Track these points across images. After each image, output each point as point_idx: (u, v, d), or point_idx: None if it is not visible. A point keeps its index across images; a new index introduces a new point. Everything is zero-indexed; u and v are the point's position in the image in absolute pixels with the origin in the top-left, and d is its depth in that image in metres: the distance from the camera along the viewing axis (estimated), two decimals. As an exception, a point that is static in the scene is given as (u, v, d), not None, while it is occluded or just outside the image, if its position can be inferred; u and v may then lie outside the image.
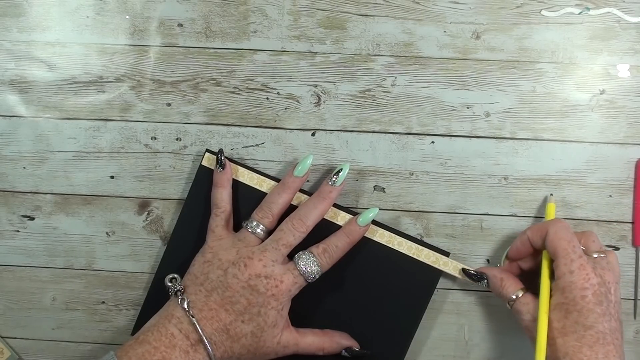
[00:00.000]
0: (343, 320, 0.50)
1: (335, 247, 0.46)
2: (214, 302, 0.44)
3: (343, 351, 0.48)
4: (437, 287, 0.50)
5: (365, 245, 0.49)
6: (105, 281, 0.53)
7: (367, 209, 0.48)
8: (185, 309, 0.43)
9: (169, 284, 0.47)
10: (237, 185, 0.51)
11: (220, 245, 0.46)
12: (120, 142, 0.52)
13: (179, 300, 0.44)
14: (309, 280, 0.46)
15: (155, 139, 0.52)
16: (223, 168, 0.49)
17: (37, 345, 0.54)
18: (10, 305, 0.54)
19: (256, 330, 0.44)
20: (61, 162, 0.53)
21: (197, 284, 0.45)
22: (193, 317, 0.43)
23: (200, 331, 0.42)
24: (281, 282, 0.44)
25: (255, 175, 0.50)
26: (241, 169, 0.51)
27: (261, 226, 0.47)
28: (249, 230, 0.47)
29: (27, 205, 0.53)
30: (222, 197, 0.49)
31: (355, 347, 0.48)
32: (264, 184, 0.50)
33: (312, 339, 0.47)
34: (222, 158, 0.49)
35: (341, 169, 0.48)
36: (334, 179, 0.47)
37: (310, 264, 0.45)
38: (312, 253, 0.46)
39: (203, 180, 0.51)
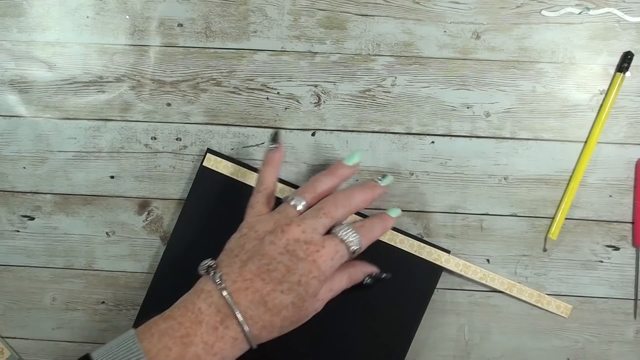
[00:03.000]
0: (344, 318, 0.50)
1: (370, 225, 0.44)
2: (249, 272, 0.39)
3: (365, 279, 0.46)
4: (437, 287, 0.50)
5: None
6: (105, 281, 0.53)
7: (389, 209, 0.47)
8: (216, 281, 0.39)
9: (203, 269, 0.42)
10: (239, 186, 0.51)
11: (258, 219, 0.43)
12: (120, 142, 0.52)
13: (211, 274, 0.40)
14: (351, 249, 0.41)
15: (155, 139, 0.52)
16: (276, 145, 0.45)
17: (37, 345, 0.54)
18: (10, 305, 0.54)
19: (297, 301, 0.39)
20: (61, 162, 0.53)
21: (232, 257, 0.40)
22: (225, 289, 0.38)
23: (231, 304, 0.38)
24: (322, 248, 0.40)
25: (257, 176, 0.50)
26: (243, 170, 0.51)
27: (303, 201, 0.42)
28: (290, 204, 0.43)
29: (27, 205, 0.53)
30: (268, 175, 0.45)
31: (376, 272, 0.46)
32: None
33: (340, 277, 0.43)
34: (278, 136, 0.46)
35: (387, 175, 0.47)
36: (380, 178, 0.46)
37: (350, 234, 0.41)
38: (349, 225, 0.42)
39: (203, 180, 0.51)
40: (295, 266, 0.39)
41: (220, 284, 0.39)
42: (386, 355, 0.49)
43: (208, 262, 0.41)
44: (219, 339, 0.38)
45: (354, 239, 0.41)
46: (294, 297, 0.39)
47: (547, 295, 0.50)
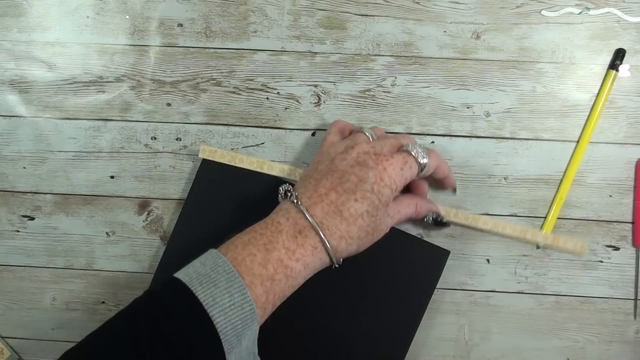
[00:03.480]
0: (348, 310, 0.50)
1: (437, 154, 0.46)
2: (323, 187, 0.41)
3: (428, 216, 0.48)
4: (437, 287, 0.50)
5: None
6: (105, 281, 0.53)
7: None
8: (292, 200, 0.41)
9: (282, 195, 0.44)
10: (238, 171, 0.51)
11: (330, 145, 0.45)
12: (120, 142, 0.52)
13: (288, 196, 0.42)
14: (420, 161, 0.43)
15: (155, 139, 0.52)
16: None
17: (37, 345, 0.54)
18: (10, 305, 0.54)
19: (371, 209, 0.41)
20: (61, 162, 0.53)
21: (306, 179, 0.43)
22: (301, 204, 0.40)
23: (307, 215, 0.40)
24: (392, 157, 0.42)
25: (255, 159, 0.50)
26: (240, 156, 0.51)
27: (373, 133, 0.45)
28: (361, 132, 0.45)
29: (27, 205, 0.53)
30: (345, 121, 0.49)
31: (440, 214, 0.48)
32: (264, 166, 0.50)
33: (408, 202, 0.46)
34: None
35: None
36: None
37: (418, 149, 0.43)
38: (418, 144, 0.45)
39: (204, 180, 0.51)
40: (367, 175, 0.41)
41: (297, 202, 0.41)
42: (392, 344, 0.49)
43: (285, 186, 0.43)
44: (300, 246, 0.40)
45: (422, 153, 0.43)
46: (368, 205, 0.41)
47: (561, 236, 0.50)
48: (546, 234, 0.50)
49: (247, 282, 0.37)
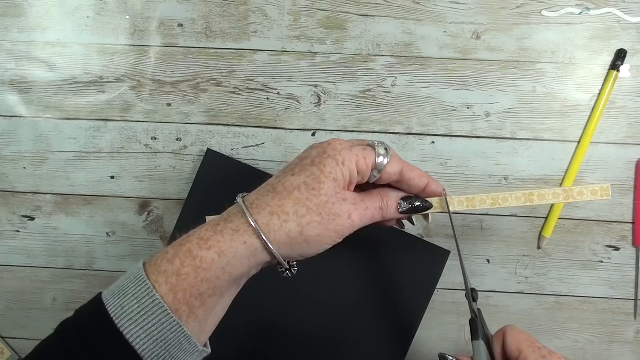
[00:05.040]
0: (349, 309, 0.50)
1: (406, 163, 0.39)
2: (267, 184, 0.36)
3: (400, 204, 0.39)
4: (437, 287, 0.50)
5: (371, 229, 0.49)
6: (105, 281, 0.53)
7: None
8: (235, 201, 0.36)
9: None
10: (241, 165, 0.50)
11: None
12: (120, 142, 0.52)
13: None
14: (377, 150, 0.37)
15: (155, 139, 0.52)
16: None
17: (37, 345, 0.54)
18: (10, 305, 0.54)
19: (310, 180, 0.34)
20: (61, 162, 0.53)
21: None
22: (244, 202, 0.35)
23: (238, 200, 0.35)
24: (345, 141, 0.37)
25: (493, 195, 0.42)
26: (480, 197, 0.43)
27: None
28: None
29: (27, 205, 0.53)
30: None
31: (409, 195, 0.40)
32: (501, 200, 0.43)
33: (372, 198, 0.38)
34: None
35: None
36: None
37: (379, 143, 0.37)
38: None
39: (203, 180, 0.51)
40: (309, 153, 0.36)
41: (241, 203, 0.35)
42: (391, 345, 0.49)
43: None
44: (217, 233, 0.34)
45: (382, 145, 0.37)
46: (306, 177, 0.35)
47: (575, 187, 0.41)
48: (556, 190, 0.40)
49: (152, 282, 0.32)
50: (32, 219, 0.53)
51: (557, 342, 0.51)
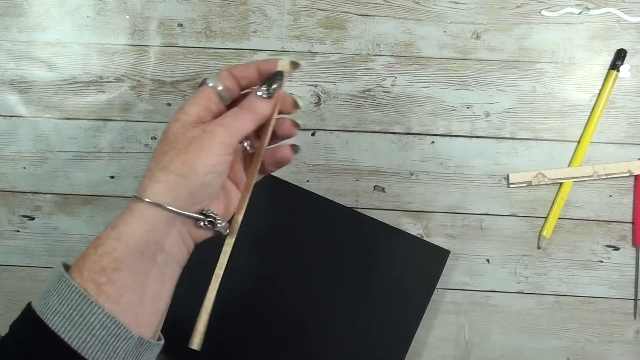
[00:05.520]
0: (349, 309, 0.50)
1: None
2: None
3: (260, 89, 0.37)
4: (437, 287, 0.50)
5: (372, 228, 0.49)
6: (105, 281, 0.53)
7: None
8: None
9: None
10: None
11: None
12: (120, 142, 0.52)
13: None
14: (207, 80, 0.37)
15: (155, 139, 0.52)
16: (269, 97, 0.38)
17: (37, 345, 0.54)
18: (10, 305, 0.54)
19: (165, 133, 0.35)
20: (61, 162, 0.53)
21: None
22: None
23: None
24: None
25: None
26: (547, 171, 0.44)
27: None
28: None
29: (27, 205, 0.53)
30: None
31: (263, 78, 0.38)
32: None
33: (228, 112, 0.36)
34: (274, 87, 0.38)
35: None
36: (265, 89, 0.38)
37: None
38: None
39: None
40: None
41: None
42: (391, 345, 0.49)
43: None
44: (121, 214, 0.35)
45: (211, 77, 0.37)
46: (164, 132, 0.35)
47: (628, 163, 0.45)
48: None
49: (68, 273, 0.34)
50: (32, 219, 0.53)
51: (557, 342, 0.51)
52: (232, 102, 0.39)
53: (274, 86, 0.38)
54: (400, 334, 0.49)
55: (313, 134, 0.52)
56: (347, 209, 0.50)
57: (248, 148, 0.41)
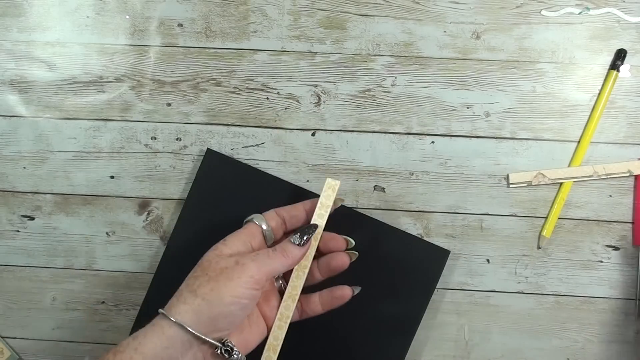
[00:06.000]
0: (348, 309, 0.50)
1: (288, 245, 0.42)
2: None
3: (293, 239, 0.42)
4: (437, 287, 0.50)
5: (372, 228, 0.49)
6: (105, 281, 0.53)
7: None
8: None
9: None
10: (242, 166, 0.51)
11: None
12: (120, 142, 0.52)
13: None
14: (262, 226, 0.42)
15: (155, 139, 0.52)
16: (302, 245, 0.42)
17: (37, 345, 0.54)
18: (10, 305, 0.54)
19: (200, 272, 0.39)
20: (61, 162, 0.53)
21: None
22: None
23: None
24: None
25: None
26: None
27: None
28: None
29: (27, 205, 0.53)
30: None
31: (305, 228, 0.42)
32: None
33: (266, 253, 0.40)
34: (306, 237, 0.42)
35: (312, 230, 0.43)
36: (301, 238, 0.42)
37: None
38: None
39: (203, 180, 0.51)
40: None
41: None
42: (391, 346, 0.49)
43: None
44: (145, 327, 0.37)
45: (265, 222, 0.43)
46: (199, 261, 0.40)
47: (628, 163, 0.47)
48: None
49: None
50: (32, 219, 0.53)
51: (557, 342, 0.51)
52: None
53: (307, 236, 0.42)
54: (400, 335, 0.49)
55: (313, 134, 0.52)
56: (347, 209, 0.50)
57: (282, 287, 0.44)
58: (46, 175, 0.53)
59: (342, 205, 0.50)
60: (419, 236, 0.51)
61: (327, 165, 0.52)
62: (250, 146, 0.52)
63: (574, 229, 0.51)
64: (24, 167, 0.53)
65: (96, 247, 0.53)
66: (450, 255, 0.49)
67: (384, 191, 0.51)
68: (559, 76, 0.51)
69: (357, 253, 0.45)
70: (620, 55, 0.50)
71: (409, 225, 0.51)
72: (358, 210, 0.51)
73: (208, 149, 0.51)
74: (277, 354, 0.42)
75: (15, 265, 0.53)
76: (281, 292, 0.44)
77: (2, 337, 0.54)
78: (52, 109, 0.53)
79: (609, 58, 0.50)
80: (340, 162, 0.51)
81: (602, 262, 0.51)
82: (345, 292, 0.44)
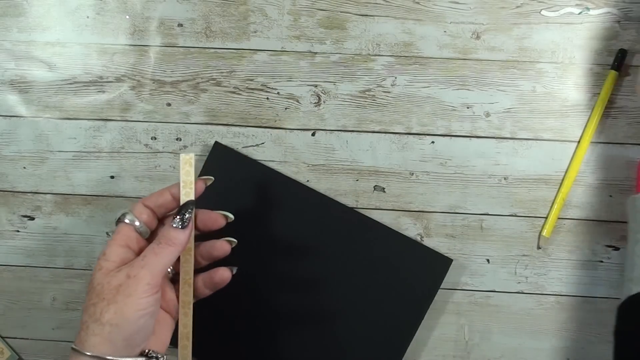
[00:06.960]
0: (348, 313, 0.50)
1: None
2: None
3: (173, 221, 0.40)
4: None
5: (372, 230, 0.49)
6: (105, 281, 0.53)
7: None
8: None
9: None
10: (249, 162, 0.51)
11: None
12: (120, 142, 0.52)
13: None
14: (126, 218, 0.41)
15: (155, 139, 0.52)
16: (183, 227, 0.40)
17: (37, 345, 0.54)
18: (10, 305, 0.54)
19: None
20: (61, 162, 0.53)
21: None
22: None
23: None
24: None
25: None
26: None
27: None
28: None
29: (27, 205, 0.53)
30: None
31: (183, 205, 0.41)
32: None
33: (148, 250, 0.39)
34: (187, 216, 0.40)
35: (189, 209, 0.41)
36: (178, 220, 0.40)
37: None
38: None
39: (210, 174, 0.51)
40: None
41: None
42: (389, 346, 0.49)
43: None
44: None
45: (124, 214, 0.41)
46: (89, 284, 0.39)
47: None
48: None
49: None
50: (32, 219, 0.53)
51: (557, 342, 0.51)
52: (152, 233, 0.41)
53: (187, 216, 0.40)
54: (397, 341, 0.49)
55: (313, 134, 0.52)
56: (348, 209, 0.50)
57: (171, 275, 0.43)
58: (46, 175, 0.53)
59: (342, 206, 0.50)
60: (419, 236, 0.51)
61: (327, 165, 0.52)
62: (250, 146, 0.52)
63: (574, 229, 0.51)
64: (24, 167, 0.53)
65: (96, 247, 0.53)
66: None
67: (384, 191, 0.51)
68: (559, 76, 0.51)
69: (236, 240, 0.43)
70: (620, 55, 0.50)
71: (409, 225, 0.51)
72: (358, 210, 0.51)
73: (216, 142, 0.51)
74: (191, 339, 0.42)
75: (15, 265, 0.53)
76: (172, 280, 0.43)
77: (2, 337, 0.54)
78: (52, 109, 0.53)
79: (609, 58, 0.50)
80: (340, 162, 0.51)
81: (602, 262, 0.51)
82: (224, 276, 0.43)
